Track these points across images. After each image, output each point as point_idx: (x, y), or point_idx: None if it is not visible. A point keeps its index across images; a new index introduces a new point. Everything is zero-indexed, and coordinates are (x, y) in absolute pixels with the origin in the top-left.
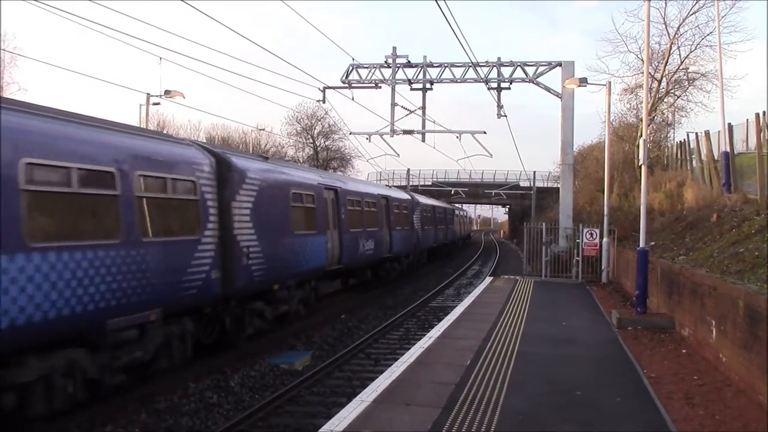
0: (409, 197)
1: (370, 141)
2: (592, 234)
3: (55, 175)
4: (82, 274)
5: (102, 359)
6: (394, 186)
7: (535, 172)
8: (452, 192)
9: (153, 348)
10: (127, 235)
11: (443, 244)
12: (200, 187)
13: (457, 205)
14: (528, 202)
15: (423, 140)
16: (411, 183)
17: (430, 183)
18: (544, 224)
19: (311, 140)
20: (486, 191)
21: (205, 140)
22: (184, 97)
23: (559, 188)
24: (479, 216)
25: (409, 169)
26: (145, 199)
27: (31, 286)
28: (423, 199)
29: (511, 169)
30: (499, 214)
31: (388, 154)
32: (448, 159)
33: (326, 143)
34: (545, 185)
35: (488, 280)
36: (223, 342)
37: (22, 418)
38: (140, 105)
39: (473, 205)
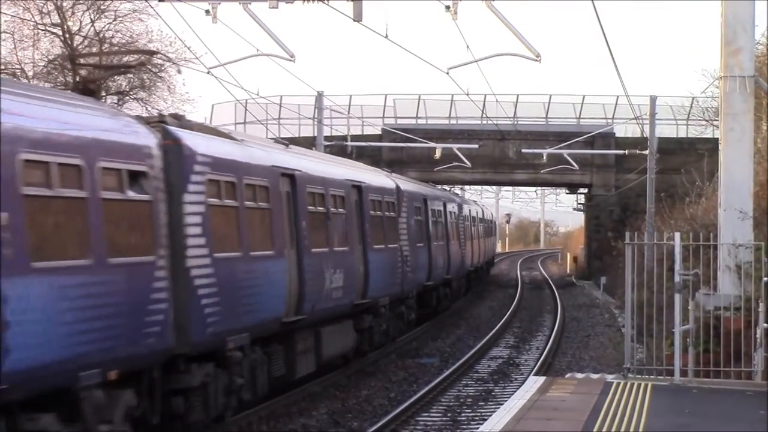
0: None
1: (215, 21)
2: None
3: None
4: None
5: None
6: (283, 139)
7: (654, 98)
8: (436, 155)
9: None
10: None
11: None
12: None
13: (445, 189)
14: (633, 181)
15: (357, 18)
16: (331, 132)
17: (378, 131)
18: (677, 235)
19: (61, 19)
20: (525, 151)
21: None
22: None
23: (716, 140)
24: (508, 217)
25: (321, 94)
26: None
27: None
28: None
29: (591, 93)
30: (562, 213)
31: (262, 55)
32: (424, 71)
33: (98, 26)
34: (677, 135)
35: (533, 384)
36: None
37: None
38: None
39: (492, 190)
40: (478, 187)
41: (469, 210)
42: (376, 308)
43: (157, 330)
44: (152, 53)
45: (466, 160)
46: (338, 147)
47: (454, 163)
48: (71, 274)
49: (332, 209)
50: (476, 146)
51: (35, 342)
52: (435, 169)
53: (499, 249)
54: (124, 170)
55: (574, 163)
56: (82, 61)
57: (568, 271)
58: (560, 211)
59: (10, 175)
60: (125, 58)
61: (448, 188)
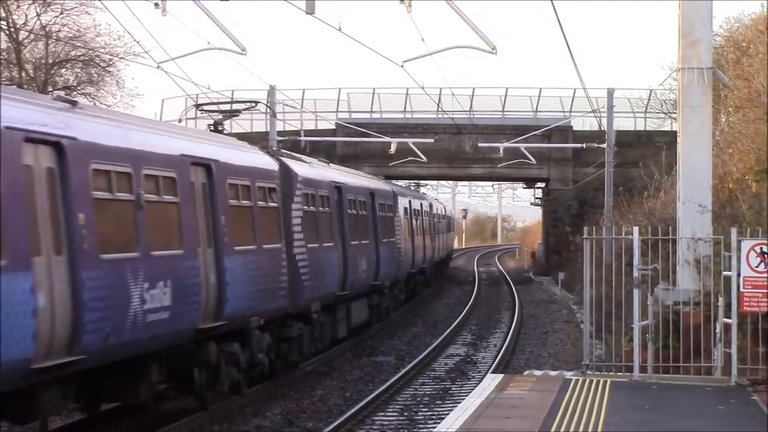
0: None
1: (165, 14)
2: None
3: None
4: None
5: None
6: (230, 136)
7: (612, 91)
8: (391, 149)
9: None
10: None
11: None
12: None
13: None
14: (591, 174)
15: (310, 11)
16: (284, 127)
17: (332, 126)
18: (636, 230)
19: (6, 12)
20: (481, 145)
21: None
22: None
23: (674, 133)
24: (465, 212)
25: (273, 88)
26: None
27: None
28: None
29: (548, 86)
30: (519, 208)
31: (213, 49)
32: (379, 64)
33: (44, 19)
34: (635, 128)
35: (491, 382)
36: None
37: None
38: None
39: (448, 185)
40: (434, 182)
41: (437, 208)
42: (382, 289)
43: (282, 294)
44: (256, 102)
45: (422, 155)
46: (291, 142)
47: (410, 158)
48: (248, 254)
49: (360, 212)
50: (432, 140)
51: (236, 296)
52: (390, 164)
53: (455, 245)
54: (266, 187)
55: (531, 158)
56: (205, 108)
57: (525, 267)
58: (518, 206)
59: (224, 192)
60: (236, 106)
61: (413, 186)
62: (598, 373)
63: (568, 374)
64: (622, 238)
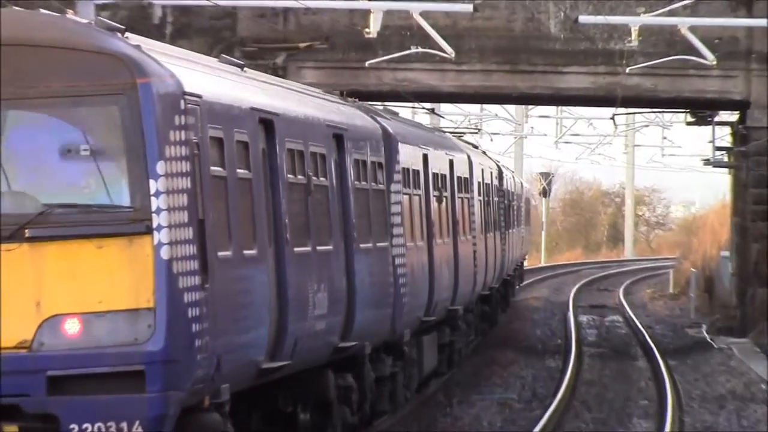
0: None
1: None
2: None
3: None
4: None
5: None
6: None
7: None
8: (370, 29)
9: None
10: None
11: None
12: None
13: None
14: None
15: None
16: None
17: None
18: None
19: None
20: (584, 20)
21: None
22: None
23: None
24: (547, 181)
25: None
26: None
27: None
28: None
29: None
30: (676, 173)
31: None
32: None
33: None
34: None
35: None
36: None
37: None
38: None
39: (510, 118)
40: (476, 108)
41: (507, 178)
42: (456, 318)
43: (387, 312)
44: (327, 38)
45: (444, 43)
46: (132, 10)
47: (415, 49)
48: (368, 254)
49: (443, 192)
50: (469, 8)
51: (362, 309)
52: (368, 63)
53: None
54: (376, 162)
55: (705, 50)
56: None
57: (691, 314)
58: (671, 170)
59: (350, 170)
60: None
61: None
62: None
63: None
64: None
